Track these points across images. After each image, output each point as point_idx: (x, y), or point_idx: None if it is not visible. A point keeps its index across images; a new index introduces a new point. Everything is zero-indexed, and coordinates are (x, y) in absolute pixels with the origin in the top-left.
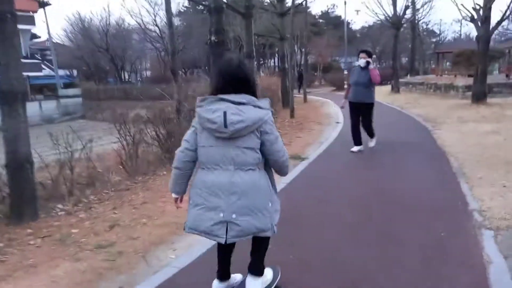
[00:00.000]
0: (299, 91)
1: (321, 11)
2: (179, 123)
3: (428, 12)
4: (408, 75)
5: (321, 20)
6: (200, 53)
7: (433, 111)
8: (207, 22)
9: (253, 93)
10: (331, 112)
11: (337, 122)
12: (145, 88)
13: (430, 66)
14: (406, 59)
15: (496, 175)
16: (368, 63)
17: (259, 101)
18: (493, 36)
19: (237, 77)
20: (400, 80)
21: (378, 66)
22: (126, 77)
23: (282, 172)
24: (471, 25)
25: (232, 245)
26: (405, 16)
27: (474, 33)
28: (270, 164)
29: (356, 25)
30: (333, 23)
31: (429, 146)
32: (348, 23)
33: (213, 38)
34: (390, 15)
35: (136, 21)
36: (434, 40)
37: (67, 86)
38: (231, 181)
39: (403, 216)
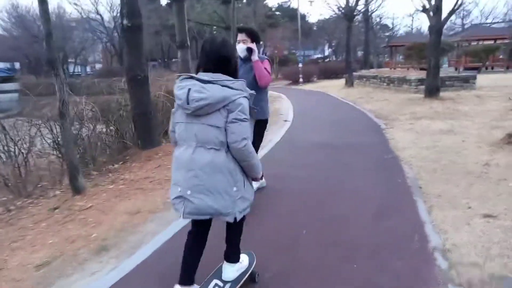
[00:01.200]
0: None
1: (278, 3)
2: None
3: (380, 4)
4: (363, 69)
5: (277, 12)
6: (152, 44)
7: (386, 107)
8: (158, 12)
9: (232, 74)
10: (282, 108)
11: (285, 121)
12: (91, 81)
13: (384, 60)
14: (362, 52)
15: (457, 191)
16: (250, 51)
17: (230, 82)
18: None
19: (218, 55)
20: (354, 73)
21: (267, 53)
22: (75, 70)
23: (247, 168)
24: (422, 19)
25: (198, 249)
26: (358, 8)
27: (424, 27)
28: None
29: (312, 18)
30: (289, 15)
31: (380, 150)
32: (304, 16)
33: (125, 22)
34: (343, 6)
35: (76, 9)
36: (387, 34)
37: (4, 80)
38: (191, 157)
39: (337, 263)
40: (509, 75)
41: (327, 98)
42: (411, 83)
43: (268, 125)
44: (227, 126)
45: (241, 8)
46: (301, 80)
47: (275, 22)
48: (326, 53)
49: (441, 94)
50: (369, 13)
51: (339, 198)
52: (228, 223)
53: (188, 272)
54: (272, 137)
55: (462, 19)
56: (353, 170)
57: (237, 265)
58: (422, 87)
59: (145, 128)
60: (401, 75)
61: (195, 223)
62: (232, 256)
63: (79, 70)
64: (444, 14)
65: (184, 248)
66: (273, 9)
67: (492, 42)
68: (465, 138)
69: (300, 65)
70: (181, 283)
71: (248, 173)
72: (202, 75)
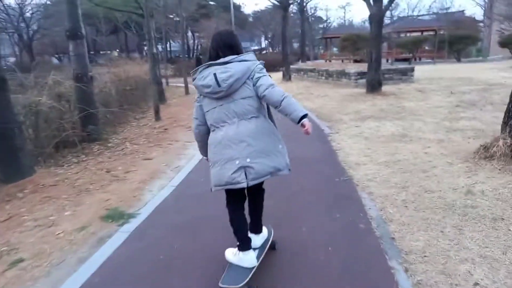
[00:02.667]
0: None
1: None
2: None
3: None
4: (300, 61)
5: (211, 2)
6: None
7: (327, 104)
8: None
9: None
10: None
11: None
12: None
13: (319, 52)
14: (297, 44)
15: (443, 242)
16: None
17: (242, 56)
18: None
19: (228, 44)
20: (292, 66)
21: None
22: None
23: (289, 112)
24: (354, 11)
25: (242, 216)
26: None
27: (356, 19)
28: (277, 109)
29: (247, 9)
30: (224, 5)
31: (328, 166)
32: (239, 6)
33: None
34: None
35: None
36: (321, 26)
37: None
38: (237, 131)
39: None
40: (439, 66)
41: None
42: (351, 76)
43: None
44: (256, 86)
45: None
46: None
47: (209, 13)
48: (263, 45)
49: (382, 88)
50: (304, 3)
51: (276, 270)
52: (254, 197)
53: (245, 239)
54: (196, 151)
55: (391, 11)
56: (294, 209)
57: (261, 235)
58: (362, 81)
59: (5, 152)
60: (339, 68)
61: (232, 194)
62: (257, 227)
63: None
64: (384, 2)
65: (232, 221)
66: None
67: (419, 34)
68: (426, 148)
69: None
70: (243, 250)
71: (292, 115)
72: (219, 60)
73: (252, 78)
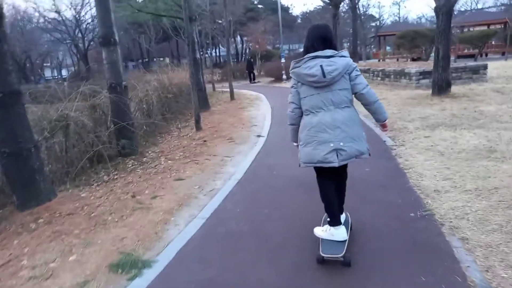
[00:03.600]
0: (250, 82)
1: None
2: None
3: None
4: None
5: (259, 6)
6: (128, 42)
7: (388, 109)
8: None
9: (334, 48)
10: (258, 115)
11: (259, 136)
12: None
13: (371, 51)
14: (348, 44)
15: None
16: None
17: (341, 52)
18: (429, 16)
19: (324, 36)
20: None
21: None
22: (53, 74)
23: (378, 113)
24: (410, 7)
25: (333, 191)
26: None
27: (411, 15)
28: (367, 109)
29: (296, 10)
30: (272, 8)
31: (398, 194)
32: (288, 8)
33: None
34: None
35: (33, 7)
36: (373, 24)
37: None
38: (333, 117)
39: None
40: (511, 63)
41: None
42: (411, 76)
43: (235, 144)
44: (353, 82)
45: None
46: (284, 77)
47: (256, 16)
48: None
49: (451, 89)
50: (356, 0)
51: None
52: (339, 178)
53: (336, 214)
54: (235, 169)
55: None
56: (356, 262)
57: (343, 215)
58: (425, 81)
59: (20, 174)
60: (397, 67)
61: (324, 172)
62: (341, 207)
63: (55, 74)
64: None
65: (324, 198)
66: (255, 1)
67: (485, 27)
68: None
69: (283, 60)
70: (335, 225)
71: (379, 116)
72: (324, 52)
73: (349, 74)
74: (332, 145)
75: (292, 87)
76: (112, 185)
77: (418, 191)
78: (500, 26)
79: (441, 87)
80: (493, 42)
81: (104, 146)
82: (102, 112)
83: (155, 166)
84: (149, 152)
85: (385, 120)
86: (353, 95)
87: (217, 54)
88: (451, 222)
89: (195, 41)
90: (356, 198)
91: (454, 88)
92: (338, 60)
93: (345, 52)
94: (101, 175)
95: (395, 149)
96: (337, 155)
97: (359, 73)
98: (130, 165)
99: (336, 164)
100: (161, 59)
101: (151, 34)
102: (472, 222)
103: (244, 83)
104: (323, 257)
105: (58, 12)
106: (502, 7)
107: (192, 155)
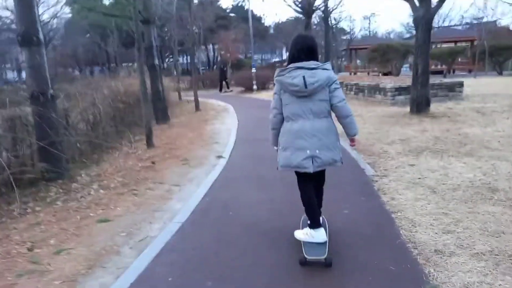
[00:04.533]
0: (220, 91)
1: (232, 5)
2: None
3: (340, 1)
4: None
5: (232, 14)
6: (93, 47)
7: (362, 128)
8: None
9: (317, 59)
10: (222, 130)
11: (219, 157)
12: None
13: (343, 64)
14: (320, 56)
15: None
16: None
17: (324, 65)
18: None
19: (310, 47)
20: None
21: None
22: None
23: (350, 128)
24: (379, 22)
25: (313, 195)
26: (316, 3)
27: (381, 30)
28: (340, 122)
29: (268, 20)
30: (243, 16)
31: (389, 261)
32: (260, 18)
33: None
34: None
35: None
36: (344, 38)
37: None
38: (312, 126)
39: None
40: (481, 80)
41: None
42: (386, 92)
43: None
44: (331, 94)
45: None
46: (255, 87)
47: (228, 24)
48: (284, 56)
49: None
50: (329, 9)
51: None
52: (317, 182)
53: (316, 216)
54: (181, 205)
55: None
56: None
57: (321, 217)
58: (400, 97)
59: None
60: (372, 82)
61: (305, 177)
62: (320, 211)
63: (16, 76)
64: (433, 2)
65: (304, 201)
66: (227, 10)
67: (452, 44)
68: None
69: (254, 70)
70: (314, 227)
71: (350, 130)
72: (307, 64)
73: (330, 86)
74: (308, 152)
75: (275, 93)
76: (13, 226)
77: (414, 250)
78: (466, 44)
79: (420, 105)
80: (459, 59)
81: (23, 169)
82: (26, 126)
83: (81, 197)
84: (83, 175)
85: (354, 135)
86: (331, 106)
87: (188, 61)
88: None
89: (153, 45)
90: (333, 260)
91: (432, 107)
92: (321, 73)
93: (328, 65)
94: (13, 206)
95: (377, 181)
96: (312, 162)
97: (338, 86)
98: (52, 194)
99: (310, 170)
100: (130, 64)
101: (113, 38)
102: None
103: (214, 92)
104: (306, 259)
105: (11, 10)
106: (467, 25)
107: (133, 181)
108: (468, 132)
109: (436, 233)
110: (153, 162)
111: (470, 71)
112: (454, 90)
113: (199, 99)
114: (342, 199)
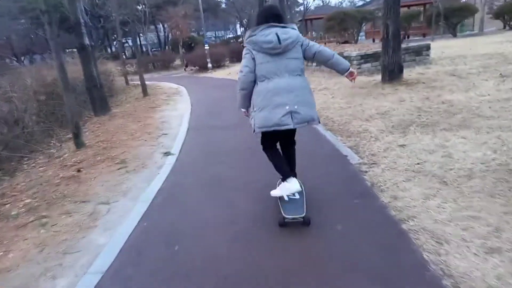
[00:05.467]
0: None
1: None
2: None
3: None
4: None
5: None
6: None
7: (333, 103)
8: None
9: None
10: (173, 117)
11: (167, 154)
12: None
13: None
14: None
15: None
16: None
17: (292, 25)
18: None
19: (277, 14)
20: None
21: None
22: None
23: (339, 64)
24: None
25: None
26: None
27: (334, 0)
28: (328, 65)
29: None
30: None
31: None
32: None
33: None
34: None
35: None
36: (298, 9)
37: None
38: (288, 83)
39: None
40: (439, 43)
41: None
42: (351, 61)
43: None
44: (307, 47)
45: None
46: (209, 65)
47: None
48: (239, 32)
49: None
50: None
51: None
52: (289, 145)
53: (286, 169)
54: (107, 238)
55: None
56: None
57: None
58: (366, 65)
59: None
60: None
61: (271, 139)
62: (294, 170)
63: None
64: None
65: (274, 160)
66: None
67: (406, 9)
68: None
69: (207, 47)
70: (286, 178)
71: (342, 66)
72: (278, 24)
73: (301, 44)
74: (287, 107)
75: (246, 53)
76: None
77: None
78: (418, 8)
79: (392, 73)
80: (412, 24)
81: None
82: None
83: None
84: None
85: (349, 68)
86: (313, 58)
87: (138, 43)
88: None
89: (80, 22)
90: None
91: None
92: (291, 31)
93: (295, 26)
94: None
95: (366, 171)
96: (291, 118)
97: (309, 41)
98: None
99: (291, 126)
100: (75, 49)
101: (47, 22)
102: None
103: (165, 74)
104: (284, 218)
105: None
106: None
107: (45, 203)
108: (451, 99)
109: (476, 255)
110: (79, 170)
111: (424, 35)
112: (421, 54)
113: (149, 82)
114: (328, 205)
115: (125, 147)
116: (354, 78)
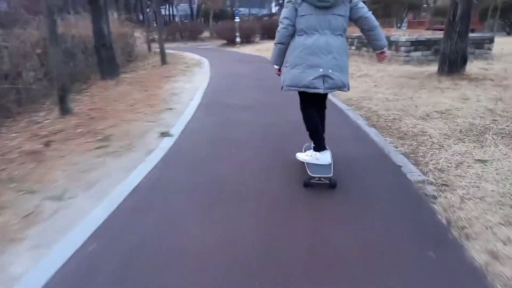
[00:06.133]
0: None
1: None
2: None
3: None
4: None
5: None
6: None
7: (376, 93)
8: None
9: None
10: (186, 89)
11: (164, 134)
12: None
13: None
14: None
15: None
16: None
17: None
18: None
19: None
20: None
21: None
22: None
23: (380, 39)
24: None
25: (315, 110)
26: None
27: None
28: (367, 35)
29: None
30: None
31: None
32: None
33: None
34: None
35: None
36: None
37: None
38: (328, 42)
39: None
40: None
41: (269, 70)
42: (399, 47)
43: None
44: (356, 7)
45: None
46: (238, 39)
47: None
48: (273, 10)
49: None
50: None
51: None
52: (320, 106)
53: (321, 139)
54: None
55: None
56: None
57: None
58: (416, 54)
59: None
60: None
61: (308, 98)
62: (324, 137)
63: None
64: None
65: (309, 125)
66: None
67: None
68: None
69: (237, 19)
70: (320, 150)
71: (380, 42)
72: None
73: (350, 1)
74: (321, 70)
75: (288, 1)
76: None
77: None
78: None
79: (454, 63)
80: None
81: None
82: None
83: None
84: None
85: (385, 46)
86: (356, 21)
87: (170, 13)
88: None
89: None
90: None
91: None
92: None
93: None
94: None
95: (435, 197)
96: (323, 82)
97: (361, 1)
98: None
99: (321, 91)
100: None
101: None
102: None
103: (191, 45)
104: (311, 177)
105: None
106: None
107: None
108: None
109: None
110: (47, 144)
111: (472, 30)
112: (482, 47)
113: (173, 51)
114: (382, 254)
115: (117, 119)
116: (383, 58)
